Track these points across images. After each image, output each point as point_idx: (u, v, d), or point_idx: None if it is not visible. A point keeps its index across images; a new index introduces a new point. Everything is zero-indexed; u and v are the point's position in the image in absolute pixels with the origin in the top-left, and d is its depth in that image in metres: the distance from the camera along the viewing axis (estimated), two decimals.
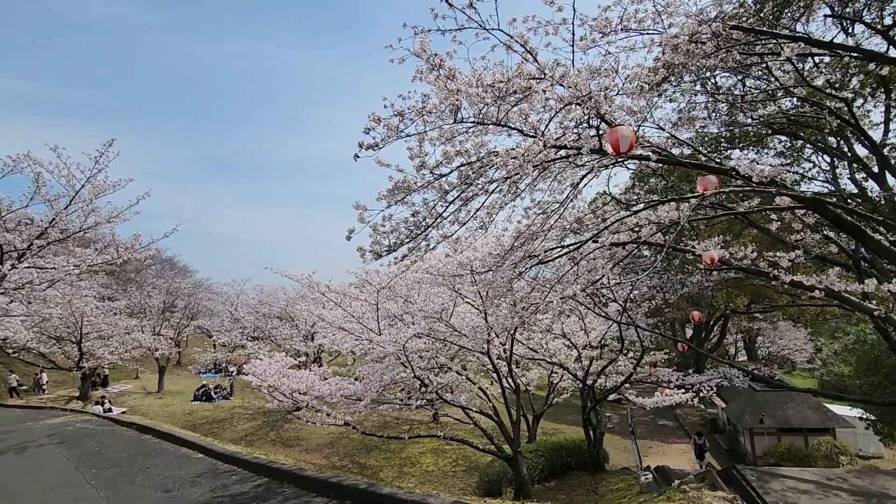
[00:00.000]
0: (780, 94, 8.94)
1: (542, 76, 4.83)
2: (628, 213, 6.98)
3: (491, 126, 5.13)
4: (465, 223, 5.81)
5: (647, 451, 21.09)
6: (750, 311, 25.32)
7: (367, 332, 12.68)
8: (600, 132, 5.22)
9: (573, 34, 4.99)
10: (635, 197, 13.97)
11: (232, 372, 31.71)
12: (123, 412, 19.37)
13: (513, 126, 5.25)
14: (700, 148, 9.17)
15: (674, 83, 8.85)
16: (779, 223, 9.02)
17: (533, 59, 4.80)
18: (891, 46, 7.76)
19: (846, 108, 8.53)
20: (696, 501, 6.48)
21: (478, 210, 5.78)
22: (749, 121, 9.93)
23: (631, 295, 13.64)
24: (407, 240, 5.57)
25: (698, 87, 9.79)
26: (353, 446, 18.61)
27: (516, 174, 5.22)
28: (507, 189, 5.78)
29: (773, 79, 8.09)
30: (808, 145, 12.79)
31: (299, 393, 11.88)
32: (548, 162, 5.49)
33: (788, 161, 13.51)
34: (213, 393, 25.42)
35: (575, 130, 5.44)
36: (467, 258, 9.69)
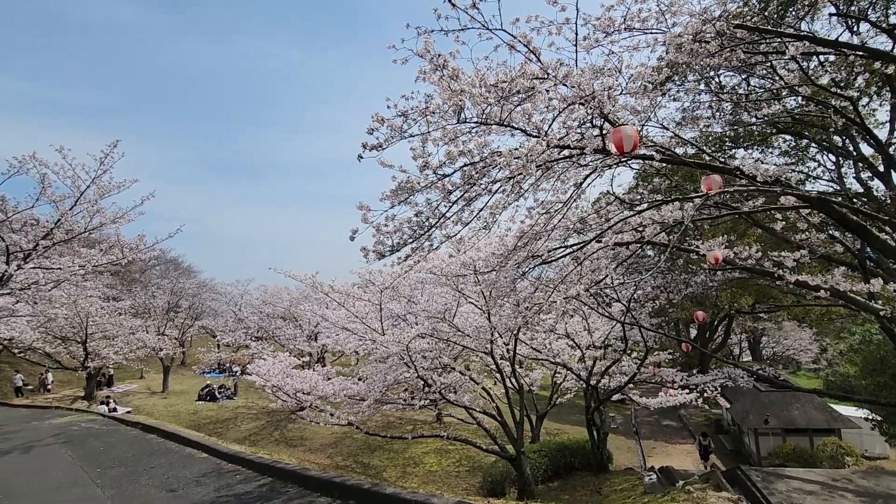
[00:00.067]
0: (784, 93, 8.90)
1: (546, 76, 4.82)
2: (632, 212, 6.97)
3: (494, 126, 5.12)
4: (468, 223, 5.81)
5: (651, 451, 21.03)
6: (754, 311, 25.20)
7: (371, 332, 12.70)
8: (604, 132, 5.21)
9: (576, 34, 4.98)
10: (639, 197, 13.92)
11: (236, 372, 31.82)
12: (128, 412, 19.45)
13: (516, 126, 5.25)
14: (704, 147, 9.15)
15: (677, 82, 8.83)
16: (784, 223, 8.99)
17: (536, 58, 4.79)
18: None
19: (851, 107, 8.48)
20: (701, 502, 6.45)
21: (481, 210, 5.78)
22: (753, 120, 9.89)
23: (635, 295, 13.61)
24: (410, 240, 5.57)
25: (702, 87, 9.77)
26: (356, 446, 18.64)
27: (520, 174, 5.21)
28: (510, 189, 5.78)
29: (777, 78, 8.05)
30: (812, 144, 12.73)
31: (303, 393, 11.90)
32: (551, 162, 5.49)
33: (793, 160, 13.44)
34: (217, 393, 25.50)
35: (578, 130, 5.43)
36: (470, 258, 9.69)
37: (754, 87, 9.95)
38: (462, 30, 4.63)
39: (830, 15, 8.61)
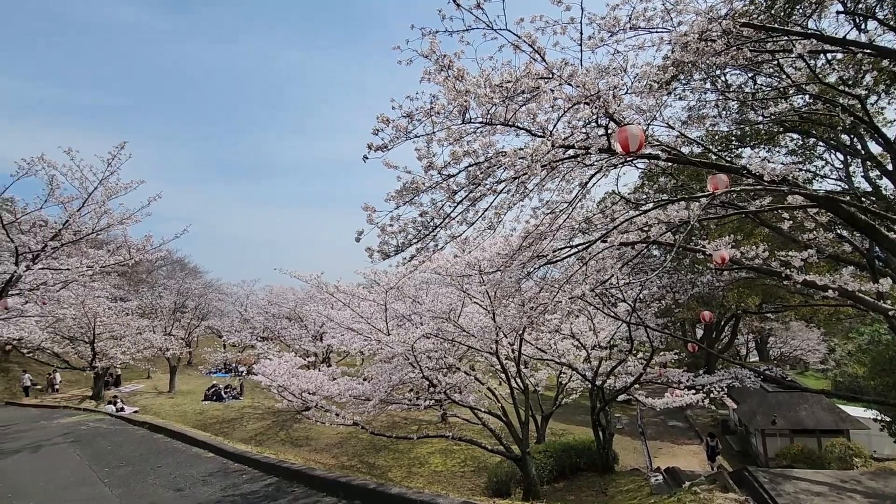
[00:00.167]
0: (791, 92, 8.84)
1: (551, 76, 4.81)
2: (638, 212, 6.94)
3: (499, 126, 5.12)
4: (473, 223, 5.80)
5: (658, 452, 20.95)
6: (761, 311, 25.06)
7: (376, 332, 12.71)
8: (609, 131, 5.20)
9: (581, 33, 4.97)
10: (644, 196, 13.89)
11: (242, 372, 31.95)
12: (135, 411, 19.59)
13: (521, 126, 5.24)
14: (710, 146, 9.09)
15: (683, 81, 8.78)
16: (791, 222, 8.91)
17: (541, 58, 4.78)
18: None
19: (859, 106, 8.41)
20: (708, 503, 6.43)
21: (486, 210, 5.77)
22: (760, 119, 9.83)
23: (640, 295, 13.55)
24: (415, 240, 5.57)
25: (708, 85, 9.71)
26: (361, 446, 18.68)
27: (524, 174, 5.20)
28: (515, 189, 5.77)
29: (784, 76, 7.99)
30: (820, 143, 12.64)
31: (308, 393, 11.94)
32: (556, 162, 5.48)
33: (800, 159, 13.35)
34: (223, 393, 25.63)
35: (583, 130, 5.42)
36: (475, 258, 9.69)
37: (761, 85, 9.89)
38: (466, 30, 4.63)
39: (838, 13, 8.56)
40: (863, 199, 11.24)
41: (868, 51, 6.63)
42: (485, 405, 12.43)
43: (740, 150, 12.54)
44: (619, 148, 4.82)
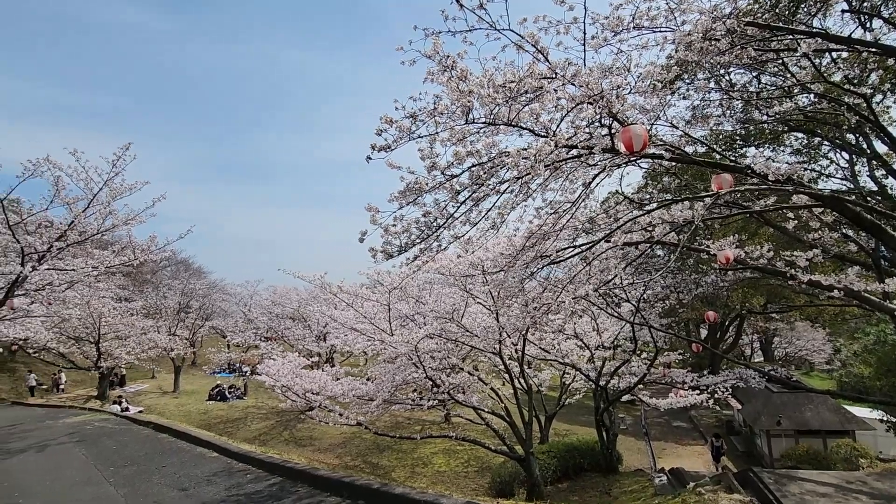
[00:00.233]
0: (796, 91, 8.80)
1: (554, 76, 4.81)
2: (641, 212, 6.93)
3: (502, 126, 5.12)
4: (476, 223, 5.81)
5: (662, 452, 20.87)
6: (766, 312, 24.94)
7: (379, 332, 12.73)
8: (612, 131, 5.19)
9: (584, 33, 4.96)
10: (648, 196, 13.82)
11: (246, 372, 32.06)
12: (140, 411, 19.67)
13: (524, 126, 5.24)
14: (714, 146, 9.08)
15: (687, 81, 8.75)
16: (796, 222, 8.87)
17: (544, 58, 4.78)
18: None
19: (865, 105, 8.35)
20: None
21: (489, 210, 5.77)
22: (765, 118, 9.79)
23: (644, 295, 13.51)
24: (418, 240, 5.58)
25: (712, 85, 9.67)
26: (365, 446, 18.69)
27: (528, 174, 5.21)
28: (518, 189, 5.77)
29: (789, 75, 7.95)
30: (825, 142, 12.58)
31: (312, 393, 11.97)
32: (559, 162, 5.47)
33: (805, 158, 13.29)
34: (227, 393, 25.70)
35: (587, 130, 5.41)
36: (479, 258, 9.68)
37: (765, 84, 9.84)
38: (469, 30, 4.64)
39: (843, 11, 8.50)
40: (868, 198, 11.17)
41: (873, 49, 6.59)
42: (488, 405, 12.43)
43: (745, 149, 12.49)
44: (622, 148, 4.81)
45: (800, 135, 12.64)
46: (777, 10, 8.67)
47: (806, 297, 17.19)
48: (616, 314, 12.79)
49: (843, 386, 27.71)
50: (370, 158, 4.76)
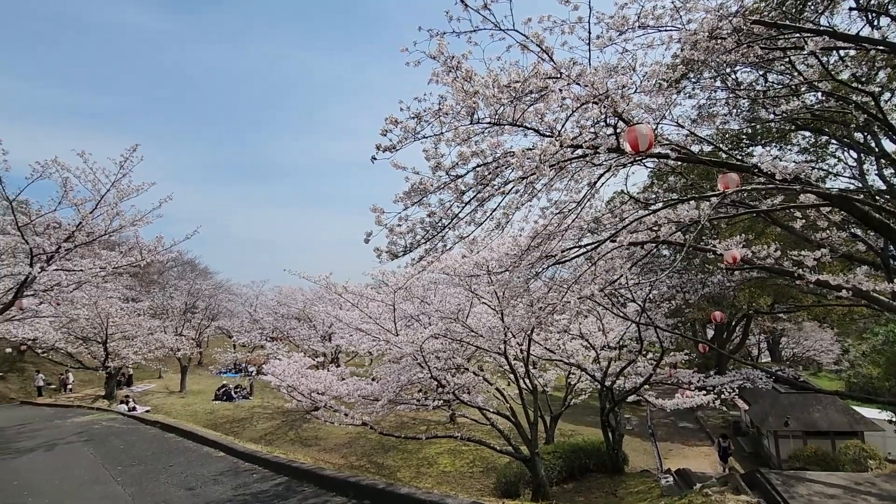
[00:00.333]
0: (803, 89, 8.72)
1: (559, 75, 4.80)
2: (647, 212, 6.90)
3: (507, 126, 5.12)
4: (481, 223, 5.81)
5: (668, 453, 20.78)
6: (773, 312, 24.79)
7: (384, 332, 12.75)
8: (618, 131, 5.17)
9: (589, 32, 4.95)
10: (654, 196, 13.75)
11: (251, 372, 32.18)
12: (147, 411, 19.80)
13: (529, 126, 5.24)
14: (720, 145, 9.01)
15: (693, 80, 8.71)
16: (803, 221, 8.80)
17: (549, 58, 4.78)
18: None
19: (873, 103, 8.28)
20: None
21: (494, 210, 5.77)
22: (771, 116, 9.71)
23: (650, 295, 13.46)
24: (423, 241, 5.59)
25: (718, 84, 9.62)
26: (370, 446, 18.73)
27: (533, 174, 5.19)
28: (523, 189, 5.76)
29: (796, 73, 7.89)
30: (833, 141, 12.47)
31: (317, 393, 12.00)
32: (564, 161, 5.46)
33: (813, 157, 13.19)
34: (233, 392, 25.82)
35: (592, 129, 5.40)
36: (484, 258, 9.68)
37: (772, 83, 9.78)
38: (474, 31, 4.64)
39: (850, 9, 8.44)
40: (877, 197, 11.06)
41: (881, 47, 6.53)
42: (493, 406, 12.42)
43: (751, 148, 12.42)
44: (628, 147, 4.79)
45: (807, 133, 12.55)
46: (784, 9, 8.61)
47: (814, 296, 17.06)
48: (622, 314, 12.75)
49: (852, 387, 27.52)
50: (375, 159, 4.78)
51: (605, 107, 4.94)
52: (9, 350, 23.21)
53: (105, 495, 7.92)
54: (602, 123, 5.34)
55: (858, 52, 8.79)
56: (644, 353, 15.82)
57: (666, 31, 5.60)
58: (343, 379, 12.96)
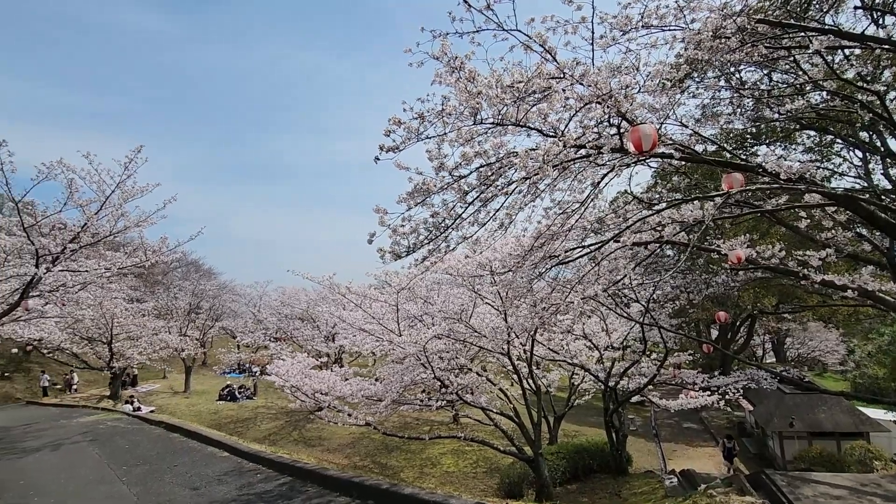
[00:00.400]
0: (808, 88, 8.69)
1: (562, 75, 4.79)
2: (651, 212, 6.89)
3: (510, 127, 5.12)
4: (484, 224, 5.81)
5: (672, 454, 20.70)
6: (778, 312, 24.66)
7: (388, 333, 12.76)
8: (621, 131, 5.16)
9: (593, 32, 4.94)
10: (658, 196, 13.72)
11: (255, 372, 32.26)
12: (152, 411, 19.88)
13: (532, 126, 5.23)
14: (725, 144, 8.99)
15: (697, 79, 8.68)
16: (808, 221, 8.77)
17: (552, 58, 4.77)
18: None
19: (879, 102, 8.23)
20: None
21: (497, 211, 5.77)
22: (776, 116, 9.66)
23: (654, 295, 13.41)
24: (427, 241, 5.59)
25: (722, 83, 9.58)
26: (374, 446, 18.74)
27: (536, 174, 5.19)
28: (526, 189, 5.76)
29: (801, 72, 7.86)
30: (838, 140, 12.41)
31: (321, 393, 12.02)
32: (568, 162, 5.45)
33: (818, 157, 13.13)
34: (237, 393, 25.89)
35: (595, 129, 5.39)
36: (487, 259, 9.68)
37: (777, 82, 9.73)
38: (477, 31, 4.64)
39: (855, 8, 8.39)
40: (882, 196, 10.99)
41: (887, 46, 6.49)
42: (497, 406, 12.41)
43: (756, 147, 12.36)
44: (631, 147, 4.78)
45: (812, 133, 12.49)
46: (788, 7, 8.58)
47: (819, 297, 16.96)
48: (625, 315, 12.71)
49: (857, 387, 27.37)
50: (378, 159, 4.78)
51: (608, 107, 4.93)
52: (14, 350, 23.39)
53: (110, 495, 7.95)
54: (605, 123, 5.33)
55: (864, 50, 8.75)
56: (648, 353, 15.78)
57: (669, 30, 5.59)
58: (346, 379, 12.98)
